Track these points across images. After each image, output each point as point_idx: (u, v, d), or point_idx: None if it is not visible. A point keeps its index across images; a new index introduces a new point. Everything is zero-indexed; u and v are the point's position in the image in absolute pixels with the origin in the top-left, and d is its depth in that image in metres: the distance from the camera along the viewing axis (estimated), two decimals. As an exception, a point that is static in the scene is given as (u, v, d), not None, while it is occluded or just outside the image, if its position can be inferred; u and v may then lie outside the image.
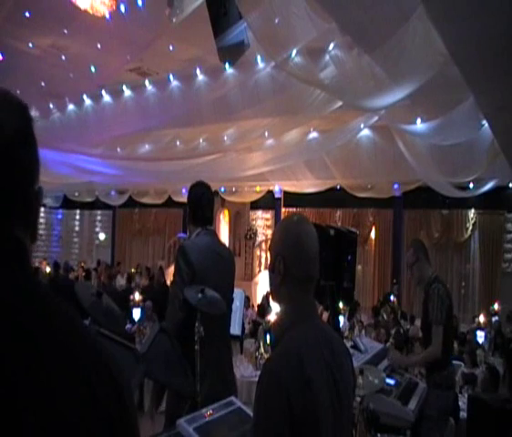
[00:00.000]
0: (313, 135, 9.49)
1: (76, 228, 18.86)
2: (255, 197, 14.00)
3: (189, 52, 7.25)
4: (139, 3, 5.04)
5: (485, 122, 6.31)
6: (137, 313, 8.35)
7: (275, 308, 7.07)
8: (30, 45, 6.65)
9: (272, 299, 1.71)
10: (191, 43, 6.86)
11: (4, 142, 0.76)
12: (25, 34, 6.45)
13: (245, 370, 6.18)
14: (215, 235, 3.31)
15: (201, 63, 7.35)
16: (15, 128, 0.78)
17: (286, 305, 1.59)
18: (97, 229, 18.25)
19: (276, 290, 1.61)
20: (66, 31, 6.21)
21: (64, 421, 0.75)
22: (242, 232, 14.55)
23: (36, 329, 0.76)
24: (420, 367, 5.07)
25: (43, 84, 7.37)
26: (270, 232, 13.83)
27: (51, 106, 8.50)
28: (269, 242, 1.74)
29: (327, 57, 5.49)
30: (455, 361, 5.37)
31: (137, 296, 9.46)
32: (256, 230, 14.44)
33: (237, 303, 4.97)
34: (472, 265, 11.99)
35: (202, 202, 3.22)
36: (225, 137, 9.18)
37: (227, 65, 6.19)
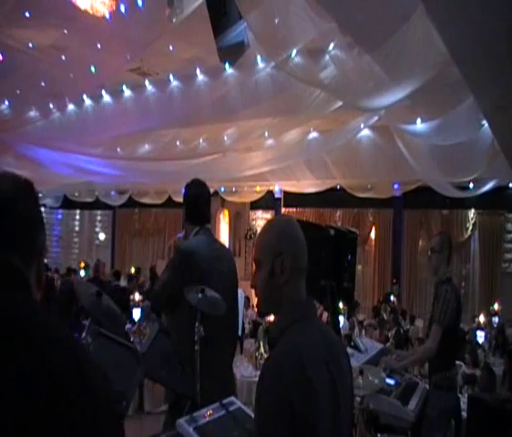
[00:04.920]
0: (313, 135, 9.49)
1: (76, 228, 18.85)
2: (255, 197, 13.99)
3: (189, 52, 7.24)
4: (139, 3, 5.03)
5: (485, 122, 6.31)
6: (137, 313, 8.35)
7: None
8: (30, 45, 6.64)
9: (273, 306, 1.62)
10: (191, 43, 6.86)
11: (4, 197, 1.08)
12: (25, 34, 6.44)
13: (245, 370, 6.18)
14: (212, 235, 3.29)
15: (201, 63, 7.34)
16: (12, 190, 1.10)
17: (287, 305, 1.58)
18: (97, 229, 18.24)
19: (279, 294, 1.57)
20: (66, 31, 6.20)
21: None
22: (242, 232, 14.54)
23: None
24: (419, 365, 5.08)
25: (43, 84, 7.34)
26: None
27: (51, 106, 8.48)
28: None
29: (327, 57, 5.48)
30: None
31: (137, 296, 9.46)
32: (256, 230, 14.43)
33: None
34: (472, 265, 11.99)
35: (200, 200, 3.19)
36: (225, 137, 9.18)
37: (227, 65, 6.19)
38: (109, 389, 1.04)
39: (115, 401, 1.07)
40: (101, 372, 1.03)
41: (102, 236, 17.84)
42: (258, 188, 13.75)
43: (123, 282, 12.21)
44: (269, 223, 1.73)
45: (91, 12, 5.12)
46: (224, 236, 14.55)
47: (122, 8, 5.19)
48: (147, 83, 8.09)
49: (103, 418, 0.96)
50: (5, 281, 1.03)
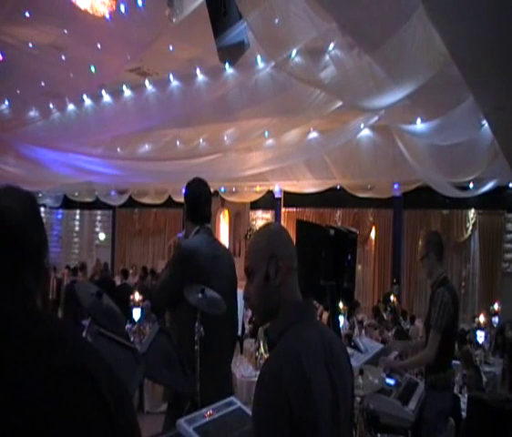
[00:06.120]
0: (313, 135, 9.49)
1: (76, 228, 18.85)
2: (255, 197, 14.00)
3: (189, 52, 7.25)
4: (139, 3, 5.03)
5: (485, 122, 6.31)
6: (137, 313, 8.34)
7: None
8: (30, 45, 6.64)
9: (271, 311, 1.59)
10: (191, 43, 6.86)
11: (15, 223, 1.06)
12: (25, 34, 6.45)
13: (245, 370, 6.18)
14: (212, 234, 3.29)
15: (201, 63, 7.35)
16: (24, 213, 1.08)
17: (285, 307, 1.57)
18: (97, 229, 18.24)
19: (276, 297, 1.57)
20: (66, 31, 6.21)
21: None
22: (242, 232, 14.54)
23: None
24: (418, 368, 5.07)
25: (43, 84, 7.35)
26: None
27: (51, 106, 8.48)
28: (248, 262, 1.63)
29: (327, 57, 5.48)
30: (455, 361, 5.37)
31: (137, 296, 9.44)
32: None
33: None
34: (472, 265, 11.98)
35: (201, 199, 3.19)
36: (225, 137, 9.18)
37: (227, 65, 6.19)
38: (118, 387, 1.00)
39: (124, 399, 1.02)
40: (110, 372, 1.00)
41: (102, 236, 17.84)
42: (258, 188, 13.75)
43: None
44: (257, 232, 1.74)
45: (91, 12, 5.12)
46: (224, 236, 14.54)
47: (122, 8, 5.20)
48: (147, 83, 8.10)
49: (113, 418, 0.94)
50: (7, 287, 1.01)
